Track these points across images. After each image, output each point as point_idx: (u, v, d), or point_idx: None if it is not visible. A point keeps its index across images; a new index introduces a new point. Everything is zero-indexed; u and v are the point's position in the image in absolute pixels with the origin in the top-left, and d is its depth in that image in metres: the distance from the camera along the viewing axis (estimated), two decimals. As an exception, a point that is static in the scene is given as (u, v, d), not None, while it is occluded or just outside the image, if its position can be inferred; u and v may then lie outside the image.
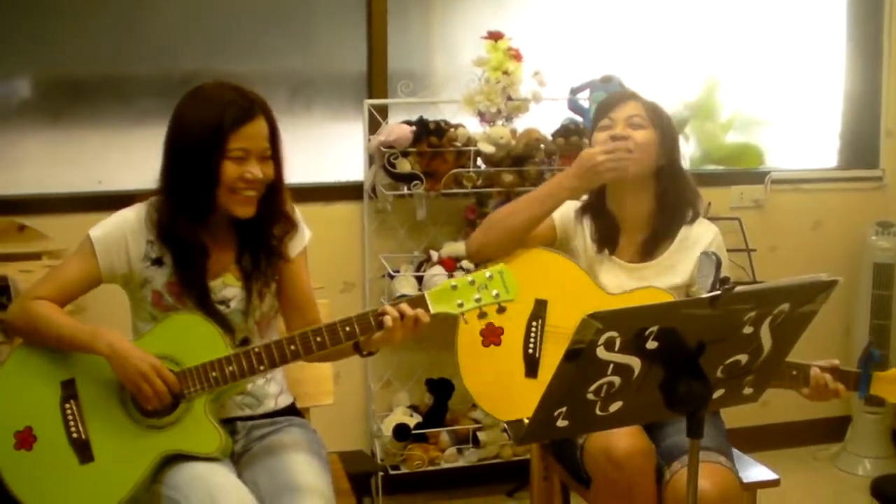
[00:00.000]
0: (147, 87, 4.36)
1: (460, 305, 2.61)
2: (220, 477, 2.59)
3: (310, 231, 2.98)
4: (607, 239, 3.20)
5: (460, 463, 4.34)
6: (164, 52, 4.35)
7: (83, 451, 2.64)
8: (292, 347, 2.62)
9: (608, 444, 2.81)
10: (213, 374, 2.62)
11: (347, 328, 2.62)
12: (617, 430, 2.79)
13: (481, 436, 4.27)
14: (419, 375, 4.40)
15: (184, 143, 2.72)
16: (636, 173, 3.10)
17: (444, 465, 4.33)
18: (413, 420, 4.30)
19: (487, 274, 2.60)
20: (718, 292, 2.10)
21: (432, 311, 2.63)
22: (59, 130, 4.35)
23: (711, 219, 4.48)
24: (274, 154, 2.80)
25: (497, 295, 2.59)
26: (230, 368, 2.62)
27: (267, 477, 2.71)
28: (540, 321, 3.11)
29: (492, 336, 3.10)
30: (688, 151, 5.20)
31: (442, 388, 4.30)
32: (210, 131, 2.66)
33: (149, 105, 4.34)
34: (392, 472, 4.28)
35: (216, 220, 2.78)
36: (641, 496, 2.83)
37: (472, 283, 2.60)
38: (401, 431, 4.25)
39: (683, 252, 3.16)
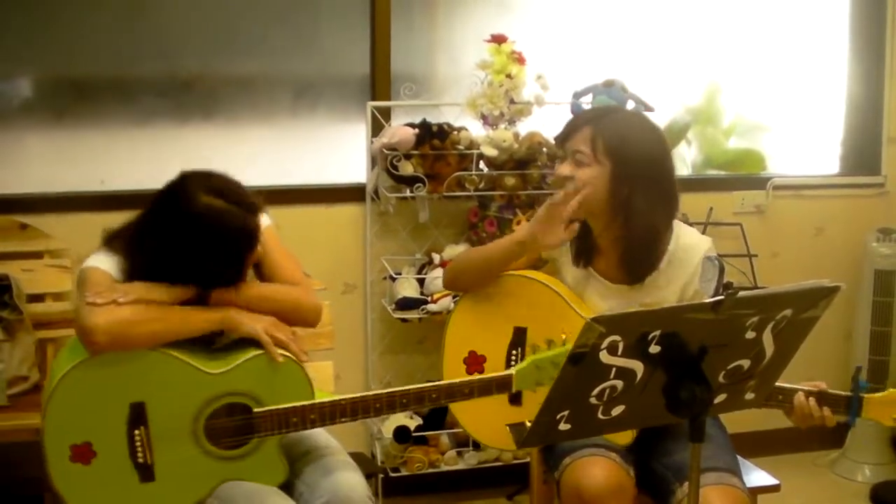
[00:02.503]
0: (150, 88, 4.37)
1: (538, 384, 2.71)
2: (278, 497, 2.64)
3: (269, 219, 2.93)
4: (584, 252, 3.07)
5: (460, 466, 4.34)
6: (168, 52, 4.35)
7: (145, 472, 2.63)
8: (377, 405, 2.67)
9: (581, 482, 2.77)
10: (294, 419, 2.63)
11: (434, 395, 2.71)
12: (592, 461, 2.79)
13: (481, 439, 4.27)
14: (419, 378, 4.39)
15: (193, 267, 2.67)
16: (588, 210, 2.95)
17: (445, 468, 4.33)
18: (413, 422, 4.30)
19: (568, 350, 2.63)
20: (721, 297, 2.10)
21: (514, 389, 2.74)
22: (61, 130, 4.35)
23: (713, 224, 4.53)
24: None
25: None
26: (311, 416, 2.64)
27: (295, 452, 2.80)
28: (520, 349, 3.05)
29: (475, 364, 3.08)
30: (689, 156, 5.21)
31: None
32: (225, 267, 2.70)
33: (152, 105, 4.35)
34: (392, 475, 4.28)
35: None
36: None
37: (555, 365, 2.67)
38: (401, 434, 4.25)
39: (672, 270, 3.01)
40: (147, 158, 4.28)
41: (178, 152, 4.30)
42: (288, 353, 2.66)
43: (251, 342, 2.68)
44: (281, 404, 2.64)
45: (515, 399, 3.03)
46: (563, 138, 3.03)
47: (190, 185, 2.64)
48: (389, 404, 2.67)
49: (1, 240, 4.00)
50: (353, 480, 2.73)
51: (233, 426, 2.66)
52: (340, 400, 2.65)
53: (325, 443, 2.88)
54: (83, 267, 2.72)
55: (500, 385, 2.74)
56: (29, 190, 4.21)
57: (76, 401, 2.60)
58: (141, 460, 2.62)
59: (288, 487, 2.73)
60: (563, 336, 2.72)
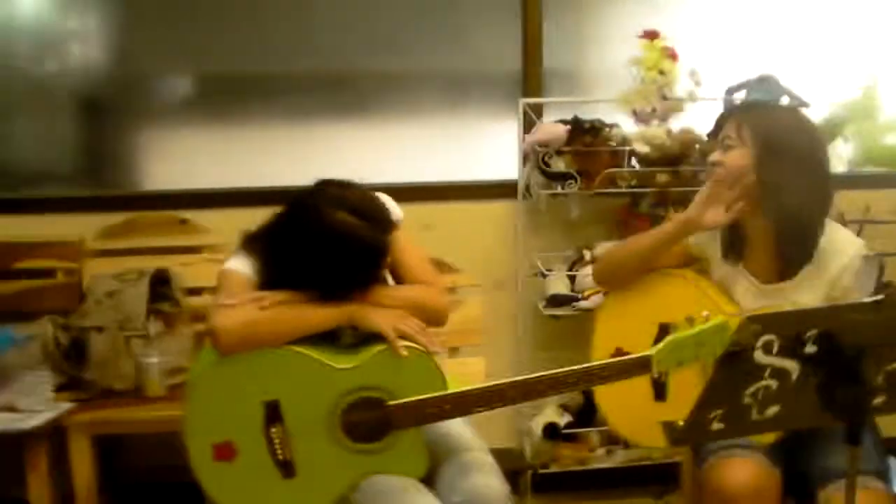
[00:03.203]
0: (305, 85, 4.45)
1: (680, 363, 2.66)
2: (420, 493, 2.65)
3: (400, 211, 2.94)
4: (734, 249, 3.05)
5: (610, 463, 4.31)
6: (320, 51, 4.42)
7: (287, 468, 2.67)
8: (513, 393, 2.64)
9: (724, 479, 2.74)
10: (430, 410, 2.64)
11: (571, 379, 2.66)
12: (736, 460, 2.75)
13: (632, 437, 4.24)
14: (570, 374, 4.39)
15: (323, 279, 2.70)
16: (737, 197, 2.94)
17: (594, 466, 4.31)
18: (563, 419, 4.28)
19: (710, 328, 2.61)
20: (882, 297, 2.06)
21: (654, 370, 2.67)
22: (219, 127, 4.48)
23: (870, 222, 4.41)
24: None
25: (713, 352, 2.60)
26: (447, 407, 2.64)
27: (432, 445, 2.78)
28: None
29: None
30: (845, 153, 5.08)
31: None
32: (354, 282, 2.72)
33: (306, 102, 4.43)
34: (541, 471, 4.28)
35: None
36: None
37: (697, 343, 2.63)
38: (551, 430, 4.25)
39: (822, 268, 2.95)
40: (302, 155, 4.36)
41: (331, 149, 4.38)
42: (416, 346, 2.66)
43: (378, 337, 2.68)
44: (414, 396, 2.63)
45: (660, 395, 3.02)
46: (715, 131, 3.07)
47: (324, 198, 2.66)
48: (525, 392, 2.63)
49: (161, 234, 4.13)
50: (490, 483, 2.70)
51: (368, 420, 2.67)
52: (475, 389, 2.63)
53: (467, 440, 2.86)
54: (222, 269, 2.78)
55: (639, 366, 2.67)
56: (189, 186, 4.34)
57: (212, 401, 2.66)
58: (280, 457, 2.66)
59: (429, 483, 2.73)
60: (705, 313, 2.67)
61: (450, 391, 2.64)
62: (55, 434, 3.51)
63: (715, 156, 2.99)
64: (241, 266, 2.75)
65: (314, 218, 2.63)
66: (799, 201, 2.88)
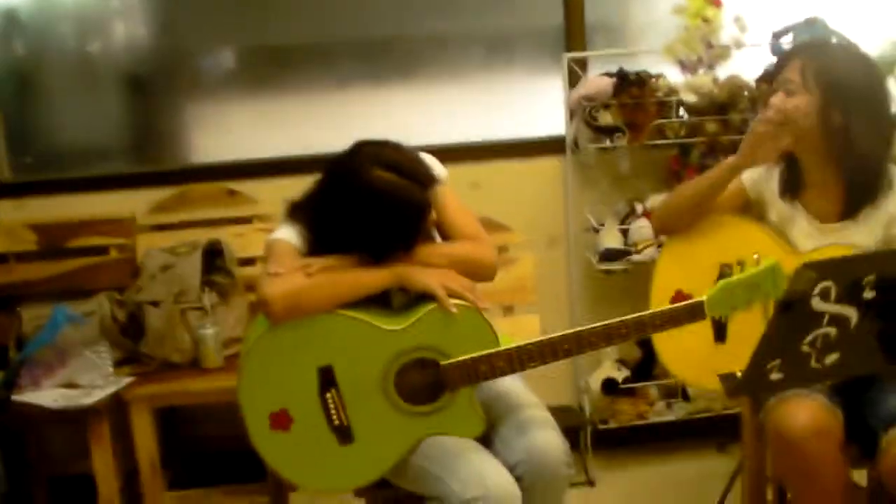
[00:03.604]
0: (347, 52, 4.44)
1: (734, 308, 2.64)
2: (482, 455, 2.65)
3: (443, 169, 2.93)
4: (792, 186, 3.05)
5: (669, 417, 4.31)
6: (362, 16, 4.41)
7: (344, 434, 2.67)
8: (566, 346, 2.63)
9: (784, 421, 2.72)
10: (483, 368, 2.63)
11: (623, 330, 2.65)
12: (797, 402, 2.71)
13: (690, 390, 4.22)
14: (626, 329, 4.38)
15: (367, 239, 2.69)
16: (798, 140, 2.95)
17: (654, 420, 4.30)
18: (621, 374, 4.28)
19: (761, 271, 2.59)
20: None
21: (707, 315, 2.65)
22: (263, 97, 4.48)
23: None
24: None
25: (767, 294, 2.59)
26: (500, 364, 2.63)
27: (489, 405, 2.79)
28: None
29: (682, 300, 3.05)
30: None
31: (650, 342, 4.26)
32: (398, 240, 2.70)
33: (350, 69, 4.43)
34: (601, 427, 4.28)
35: None
36: (822, 482, 2.72)
37: (747, 282, 2.61)
38: (609, 386, 4.24)
39: (878, 209, 2.96)
40: (347, 121, 4.35)
41: (377, 114, 4.37)
42: (465, 303, 2.65)
43: (428, 297, 2.67)
44: (466, 354, 2.63)
45: (720, 336, 3.00)
46: (774, 73, 3.05)
47: (363, 158, 2.65)
48: (578, 344, 2.62)
49: (211, 206, 4.16)
50: (548, 439, 2.69)
51: (422, 381, 2.67)
52: (527, 344, 2.62)
53: (522, 397, 2.85)
54: (268, 238, 2.79)
55: (692, 313, 2.65)
56: (235, 157, 4.35)
57: (266, 370, 2.66)
58: (336, 423, 2.66)
59: (487, 443, 2.73)
60: (756, 256, 2.65)
61: (501, 348, 2.63)
62: (116, 409, 3.56)
63: (777, 100, 2.96)
64: (286, 235, 2.76)
65: (352, 178, 2.64)
66: (865, 143, 2.89)
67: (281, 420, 2.66)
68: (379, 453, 2.69)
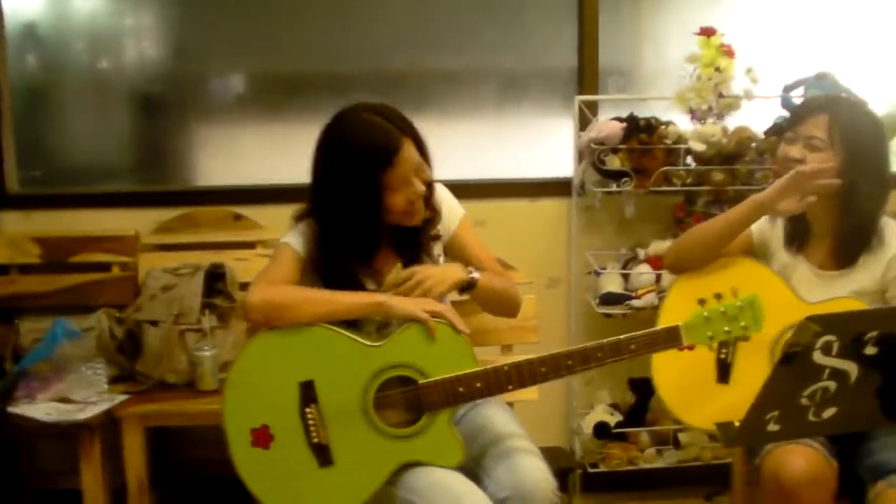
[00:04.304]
0: (359, 83, 4.45)
1: (711, 338, 2.64)
2: (464, 485, 2.63)
3: (463, 209, 3.02)
4: (797, 239, 3.14)
5: (659, 464, 4.30)
6: (377, 49, 4.43)
7: (323, 454, 2.67)
8: (542, 369, 2.65)
9: (780, 468, 2.72)
10: (460, 389, 2.64)
11: (599, 354, 2.64)
12: (794, 449, 2.73)
13: (682, 437, 4.22)
14: (622, 374, 4.38)
15: (340, 192, 2.74)
16: (813, 194, 2.99)
17: (644, 466, 4.29)
18: (614, 418, 4.28)
19: (738, 304, 2.60)
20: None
21: (684, 342, 2.65)
22: (275, 124, 4.50)
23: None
24: (423, 156, 2.82)
25: (745, 328, 2.61)
26: (478, 385, 2.65)
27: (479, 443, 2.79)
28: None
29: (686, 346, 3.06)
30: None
31: (644, 388, 4.27)
32: (366, 181, 2.70)
33: (361, 99, 4.42)
34: (591, 470, 4.27)
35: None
36: None
37: (724, 313, 2.62)
38: (601, 429, 4.24)
39: (875, 256, 3.05)
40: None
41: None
42: (444, 323, 2.66)
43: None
44: (444, 374, 2.64)
45: (723, 377, 3.03)
46: (795, 122, 3.10)
47: (353, 105, 2.83)
48: (555, 367, 2.63)
49: (216, 230, 4.16)
50: (536, 475, 2.67)
51: (401, 399, 2.68)
52: (504, 366, 2.64)
53: (507, 429, 2.83)
54: (279, 240, 2.87)
55: (668, 339, 2.65)
56: (243, 182, 4.36)
57: (250, 384, 2.69)
58: (316, 440, 2.66)
59: (475, 479, 2.71)
60: (732, 289, 2.65)
61: (479, 368, 2.65)
62: (109, 426, 3.54)
63: (796, 152, 3.02)
64: (293, 241, 2.82)
65: (339, 117, 2.80)
66: (870, 198, 3.02)
67: (262, 437, 2.67)
68: (358, 479, 2.68)
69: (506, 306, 2.98)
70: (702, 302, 2.65)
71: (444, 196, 2.98)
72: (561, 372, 2.65)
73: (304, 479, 2.68)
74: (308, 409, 2.66)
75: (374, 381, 2.66)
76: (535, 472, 2.67)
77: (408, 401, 2.67)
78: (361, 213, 2.73)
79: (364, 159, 2.69)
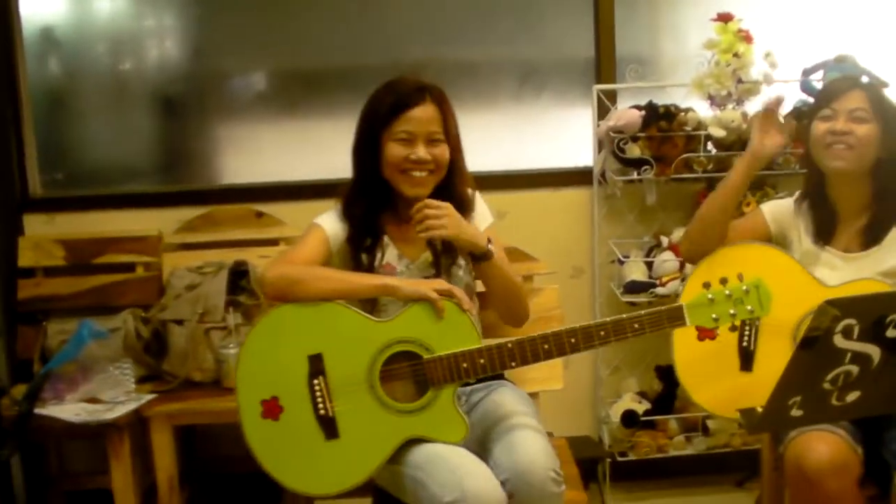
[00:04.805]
0: (378, 77, 4.42)
1: (715, 320, 2.64)
2: (464, 458, 2.64)
3: (493, 217, 3.09)
4: (824, 230, 3.13)
5: (689, 451, 4.29)
6: (394, 42, 4.44)
7: (329, 427, 2.69)
8: (545, 346, 2.66)
9: (803, 455, 2.71)
10: (464, 364, 2.67)
11: (602, 332, 2.66)
12: (818, 436, 2.71)
13: (711, 424, 4.21)
14: (648, 362, 4.37)
15: (360, 127, 2.93)
16: (855, 169, 3.03)
17: (673, 453, 4.28)
18: (641, 406, 4.27)
19: (744, 287, 2.61)
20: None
21: (688, 322, 2.66)
22: (294, 121, 4.51)
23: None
24: (448, 139, 2.89)
25: (751, 311, 2.62)
26: (481, 361, 2.67)
27: (484, 426, 2.81)
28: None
29: (706, 333, 3.05)
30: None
31: (671, 375, 4.25)
32: (378, 115, 2.86)
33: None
34: (619, 459, 4.26)
35: (402, 205, 2.92)
36: None
37: (729, 296, 2.62)
38: (629, 418, 4.23)
39: None
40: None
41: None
42: (451, 301, 2.69)
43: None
44: (449, 350, 2.68)
45: (746, 364, 3.02)
46: (829, 99, 3.12)
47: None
48: (558, 345, 2.65)
49: (238, 227, 4.18)
50: (534, 456, 2.65)
51: (406, 374, 2.70)
52: (507, 342, 2.66)
53: (510, 409, 2.83)
54: (312, 221, 2.95)
55: (672, 318, 2.66)
56: (264, 179, 4.38)
57: (261, 358, 2.73)
58: (322, 412, 2.69)
59: (481, 457, 2.72)
60: (738, 274, 2.66)
61: (484, 345, 2.67)
62: (137, 425, 3.57)
63: (840, 125, 3.04)
64: (325, 222, 2.92)
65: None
66: None
67: (272, 408, 2.71)
68: (363, 452, 2.70)
69: (514, 302, 2.96)
70: (706, 285, 2.66)
71: (476, 200, 3.05)
72: (564, 349, 2.66)
73: (311, 451, 2.71)
74: (316, 381, 2.70)
75: (381, 356, 2.70)
76: (532, 449, 2.66)
77: (413, 375, 2.70)
78: (367, 152, 2.90)
79: (379, 99, 2.90)
